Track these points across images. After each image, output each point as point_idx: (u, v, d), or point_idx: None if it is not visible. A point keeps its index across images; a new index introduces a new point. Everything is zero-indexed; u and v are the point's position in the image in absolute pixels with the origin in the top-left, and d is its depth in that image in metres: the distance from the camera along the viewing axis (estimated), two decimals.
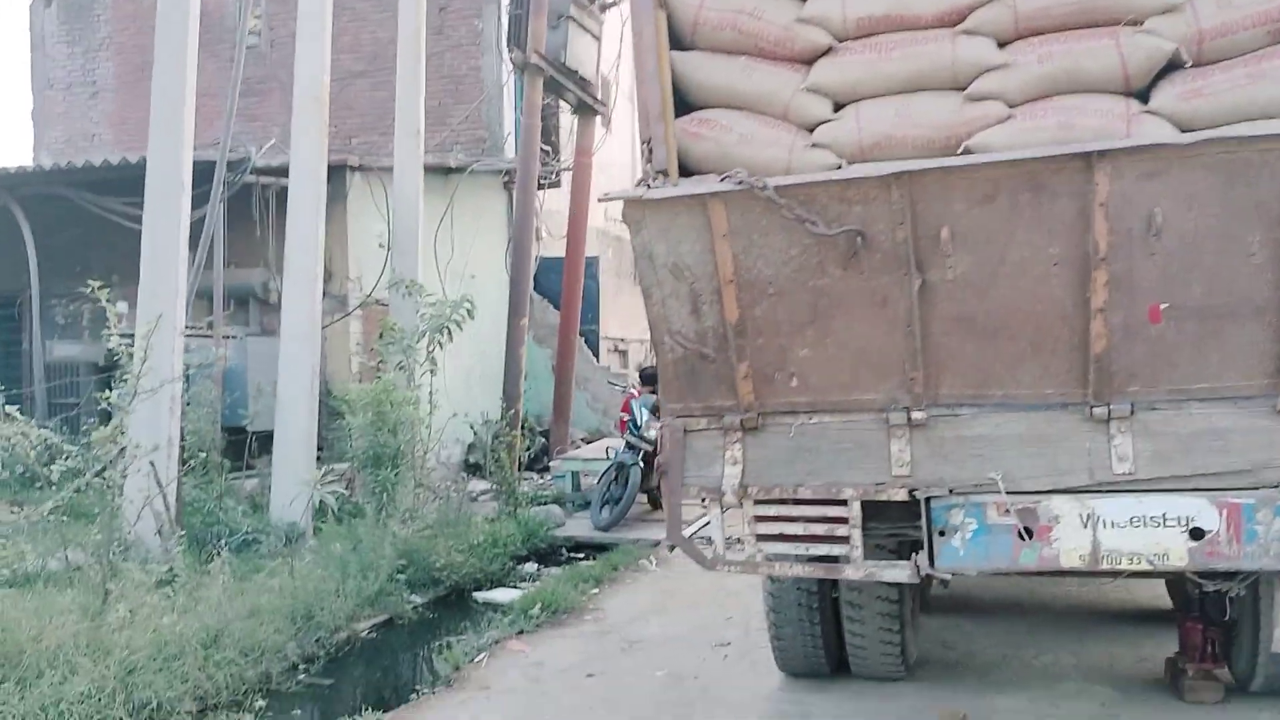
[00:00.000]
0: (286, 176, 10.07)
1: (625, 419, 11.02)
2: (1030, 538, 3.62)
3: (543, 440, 14.83)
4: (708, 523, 4.16)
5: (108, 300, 6.24)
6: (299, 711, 5.94)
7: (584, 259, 15.04)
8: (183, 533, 7.44)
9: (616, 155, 18.09)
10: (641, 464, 10.67)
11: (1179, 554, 3.60)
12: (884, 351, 3.83)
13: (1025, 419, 3.76)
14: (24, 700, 4.91)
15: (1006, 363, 3.76)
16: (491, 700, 5.79)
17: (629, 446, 10.80)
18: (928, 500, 3.75)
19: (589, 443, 15.14)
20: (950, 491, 3.71)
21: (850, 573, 3.85)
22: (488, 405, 14.21)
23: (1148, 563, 3.62)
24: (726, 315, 3.84)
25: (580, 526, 10.79)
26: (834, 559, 3.93)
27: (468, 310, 10.26)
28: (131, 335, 10.90)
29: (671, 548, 4.37)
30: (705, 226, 3.80)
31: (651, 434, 10.79)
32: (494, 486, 12.19)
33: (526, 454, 13.85)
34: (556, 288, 15.83)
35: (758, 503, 3.93)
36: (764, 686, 5.93)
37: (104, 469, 6.02)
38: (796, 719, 5.42)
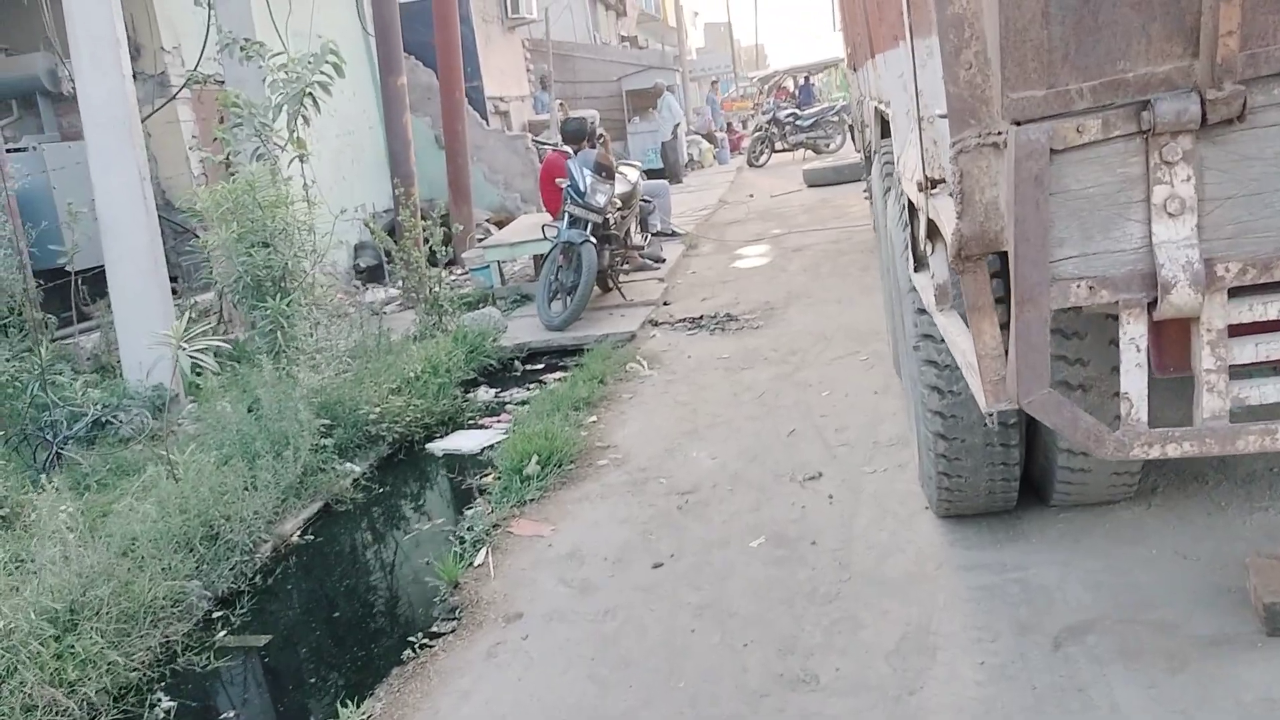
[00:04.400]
0: None
1: (563, 185, 8.60)
2: None
3: (443, 229, 12.30)
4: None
5: None
6: (231, 714, 3.74)
7: None
8: None
9: None
10: (593, 240, 8.37)
11: None
12: None
13: None
14: None
15: None
16: (536, 643, 3.69)
17: (574, 221, 8.45)
18: None
19: (500, 225, 12.67)
20: None
21: None
22: (368, 195, 11.57)
23: None
24: None
25: (527, 329, 8.55)
26: None
27: (334, 65, 7.51)
28: None
29: (994, 416, 2.15)
30: None
31: (600, 199, 8.45)
32: (404, 293, 9.81)
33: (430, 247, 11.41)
34: (419, 39, 12.85)
35: (1233, 295, 1.79)
36: (922, 543, 3.98)
37: None
38: (1017, 589, 3.50)
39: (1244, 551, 3.45)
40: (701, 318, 8.45)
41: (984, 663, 3.17)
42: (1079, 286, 1.80)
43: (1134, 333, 1.83)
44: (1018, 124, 1.78)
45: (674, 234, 12.43)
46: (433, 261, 9.46)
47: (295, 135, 7.56)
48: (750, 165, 22.29)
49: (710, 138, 26.08)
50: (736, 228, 13.68)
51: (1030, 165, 1.74)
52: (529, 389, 7.20)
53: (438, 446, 6.18)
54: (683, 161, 21.86)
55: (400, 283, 9.63)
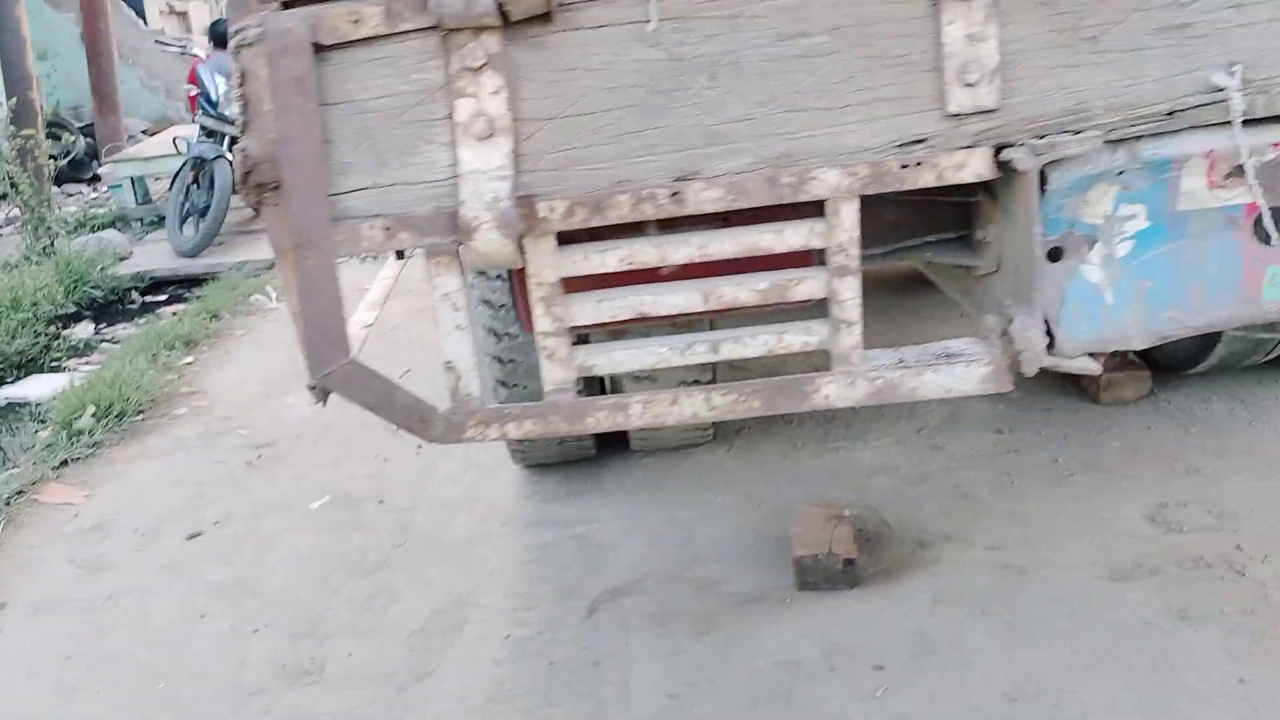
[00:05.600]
0: None
1: (195, 94, 7.66)
2: None
3: (88, 140, 10.92)
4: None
5: None
6: None
7: None
8: None
9: None
10: (229, 155, 7.49)
11: None
12: None
13: None
14: None
15: None
16: (6, 642, 3.07)
17: (206, 133, 7.55)
18: (1043, 172, 1.35)
19: (155, 134, 11.36)
20: (1075, 132, 1.34)
21: (842, 394, 1.46)
22: None
23: None
24: None
25: (157, 255, 7.63)
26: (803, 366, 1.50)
27: None
28: None
29: (317, 390, 1.66)
30: None
31: (237, 110, 7.54)
32: (22, 214, 8.57)
33: (66, 160, 10.09)
34: None
35: (565, 242, 1.40)
36: (496, 498, 3.64)
37: None
38: (574, 548, 3.21)
39: (805, 496, 3.30)
40: None
41: (510, 636, 2.84)
42: (373, 227, 1.38)
43: (448, 286, 1.45)
44: (286, 7, 1.33)
45: None
46: (53, 177, 8.30)
47: None
48: None
49: None
50: None
51: (289, 64, 1.30)
52: (141, 324, 6.36)
53: (3, 393, 5.30)
54: None
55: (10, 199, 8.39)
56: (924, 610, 2.73)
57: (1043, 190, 1.37)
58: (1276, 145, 1.37)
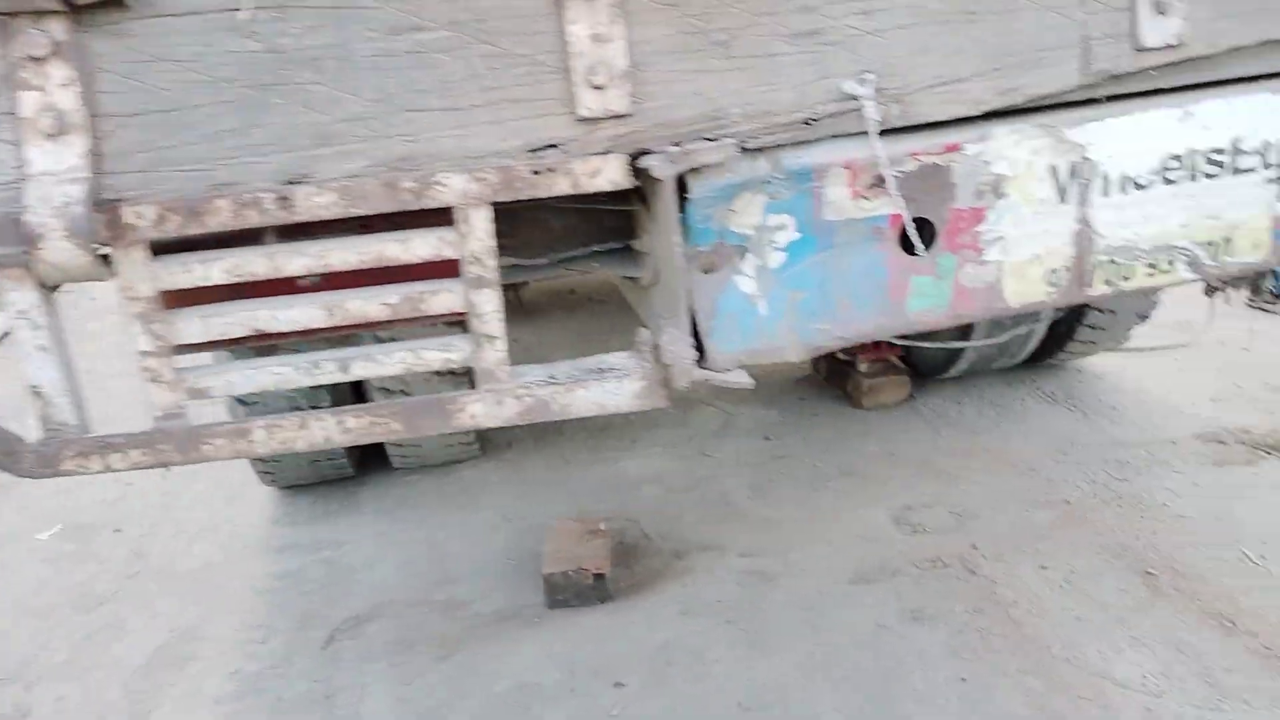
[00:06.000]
0: None
1: None
2: (931, 245, 1.39)
3: None
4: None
5: None
6: None
7: None
8: None
9: None
10: None
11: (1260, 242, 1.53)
12: None
13: None
14: None
15: None
16: None
17: None
18: (681, 179, 1.30)
19: None
20: (711, 139, 1.29)
21: (490, 413, 1.36)
22: None
23: (1187, 268, 1.57)
24: None
25: None
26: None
27: None
28: None
29: None
30: None
31: None
32: None
33: None
34: None
35: (161, 251, 1.27)
36: (242, 522, 3.46)
37: None
38: (321, 572, 3.05)
39: (571, 510, 3.24)
40: None
41: (238, 671, 2.66)
42: None
43: (24, 302, 1.31)
44: None
45: None
46: None
47: None
48: None
49: None
50: None
51: None
52: None
53: None
54: None
55: None
56: (671, 622, 2.70)
57: (686, 199, 1.32)
58: (915, 155, 1.37)
